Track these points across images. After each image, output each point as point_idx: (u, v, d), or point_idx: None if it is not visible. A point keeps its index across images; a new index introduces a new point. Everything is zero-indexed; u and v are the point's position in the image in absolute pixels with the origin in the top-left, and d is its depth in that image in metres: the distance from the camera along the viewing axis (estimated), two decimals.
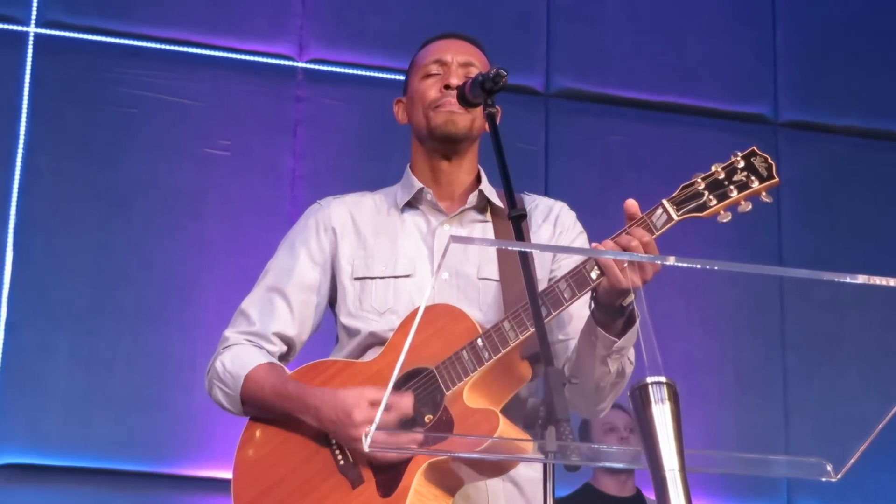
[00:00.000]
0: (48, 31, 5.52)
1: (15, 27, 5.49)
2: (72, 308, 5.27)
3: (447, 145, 2.84)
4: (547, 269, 2.81)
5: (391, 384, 2.07)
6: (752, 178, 2.50)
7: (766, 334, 5.95)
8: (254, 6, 5.81)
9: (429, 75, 2.89)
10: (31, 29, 5.50)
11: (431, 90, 2.86)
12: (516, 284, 2.69)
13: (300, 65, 5.79)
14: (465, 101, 2.64)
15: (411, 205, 2.88)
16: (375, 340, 2.76)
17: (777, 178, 2.50)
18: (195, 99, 5.61)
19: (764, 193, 2.51)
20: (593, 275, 2.50)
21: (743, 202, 2.50)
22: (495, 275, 2.77)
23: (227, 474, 5.33)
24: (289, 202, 5.58)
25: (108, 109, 5.48)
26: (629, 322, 2.56)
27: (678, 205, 2.50)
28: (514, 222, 2.40)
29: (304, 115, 5.73)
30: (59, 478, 5.15)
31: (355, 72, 5.81)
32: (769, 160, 2.53)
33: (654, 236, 2.48)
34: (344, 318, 2.81)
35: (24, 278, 5.27)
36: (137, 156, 5.47)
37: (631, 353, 2.66)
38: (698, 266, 2.41)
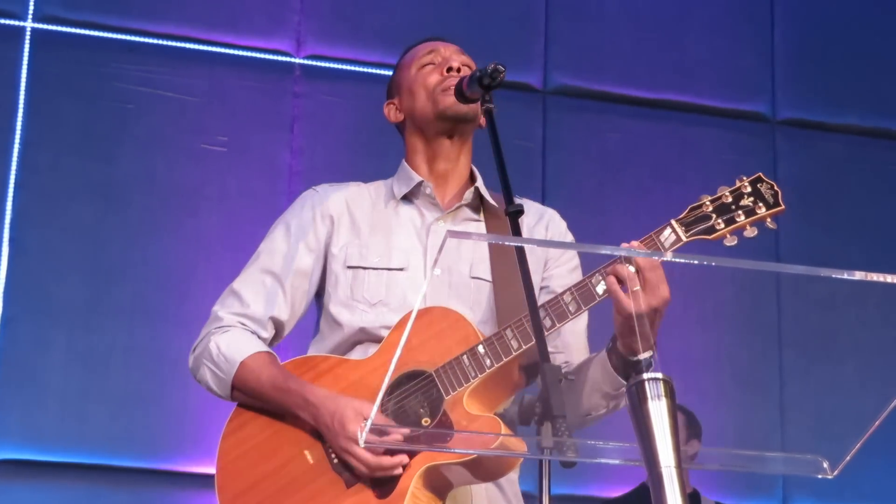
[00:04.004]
0: (45, 26, 5.51)
1: (12, 22, 5.48)
2: (68, 303, 5.27)
3: (455, 125, 2.82)
4: (539, 275, 2.80)
5: (385, 385, 2.08)
6: (760, 204, 2.56)
7: (763, 331, 5.95)
8: (251, 2, 5.80)
9: (424, 65, 2.88)
10: (28, 24, 5.50)
11: (432, 76, 2.85)
12: (509, 286, 2.70)
13: (298, 61, 5.78)
14: (463, 96, 2.63)
15: (407, 198, 2.87)
16: (365, 337, 2.74)
17: (783, 206, 2.55)
18: (192, 95, 5.61)
19: (769, 220, 2.56)
20: (599, 289, 2.51)
21: (749, 227, 2.56)
22: (487, 275, 2.77)
23: None
24: (286, 198, 5.57)
25: (104, 105, 5.48)
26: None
27: (687, 226, 2.54)
28: (511, 218, 2.40)
29: (302, 111, 5.72)
30: (55, 473, 5.14)
31: (353, 68, 5.81)
32: (775, 187, 2.58)
33: (664, 254, 2.52)
34: (334, 308, 2.78)
35: (21, 274, 5.27)
36: (134, 151, 5.46)
37: None
38: (695, 262, 2.41)
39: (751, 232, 2.55)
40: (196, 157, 5.53)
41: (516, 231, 2.40)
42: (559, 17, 6.15)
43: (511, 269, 2.69)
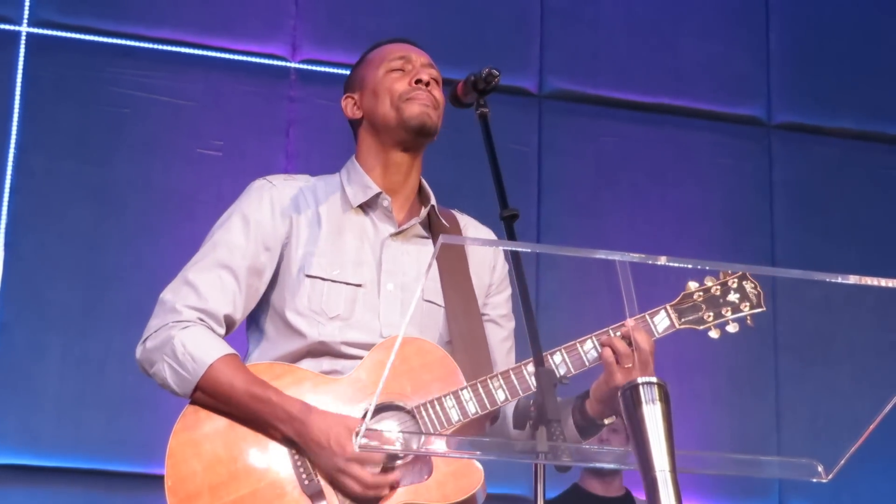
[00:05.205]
0: (41, 31, 5.51)
1: (7, 26, 5.48)
2: (64, 308, 5.26)
3: (415, 138, 2.79)
4: (482, 299, 2.82)
5: (369, 416, 2.13)
6: (745, 302, 2.75)
7: (759, 335, 5.94)
8: (247, 6, 5.80)
9: (393, 70, 2.84)
10: (24, 28, 5.50)
11: (399, 83, 2.81)
12: (460, 313, 2.74)
13: (293, 65, 5.78)
14: (458, 101, 2.62)
15: (362, 207, 2.82)
16: (323, 349, 2.68)
17: (765, 307, 2.75)
18: (188, 99, 5.60)
19: (749, 318, 2.76)
20: (590, 357, 2.61)
21: (731, 323, 2.75)
22: (440, 299, 2.76)
23: None
24: None
25: (100, 109, 5.48)
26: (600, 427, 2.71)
27: (679, 313, 2.73)
28: (506, 223, 2.38)
29: (297, 115, 5.72)
30: (52, 478, 5.14)
31: (348, 72, 5.78)
32: (758, 288, 2.76)
33: (654, 338, 2.66)
34: (291, 315, 2.70)
35: (16, 278, 5.26)
36: (130, 156, 5.46)
37: None
38: (690, 266, 2.42)
39: (733, 327, 2.75)
40: (192, 162, 5.53)
41: (511, 236, 2.39)
42: (554, 22, 6.15)
43: (461, 295, 2.75)
